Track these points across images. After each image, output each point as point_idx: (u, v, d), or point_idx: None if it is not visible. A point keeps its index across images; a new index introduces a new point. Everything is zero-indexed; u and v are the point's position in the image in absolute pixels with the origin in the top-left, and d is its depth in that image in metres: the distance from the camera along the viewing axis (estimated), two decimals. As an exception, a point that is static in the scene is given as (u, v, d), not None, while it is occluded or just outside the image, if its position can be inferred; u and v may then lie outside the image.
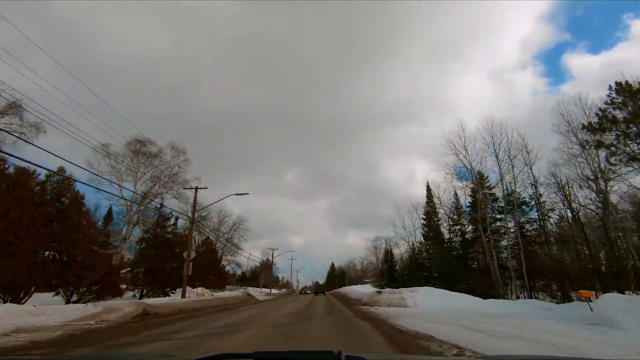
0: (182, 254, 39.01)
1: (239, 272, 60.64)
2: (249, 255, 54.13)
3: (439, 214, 37.55)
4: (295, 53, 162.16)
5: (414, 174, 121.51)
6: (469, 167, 27.39)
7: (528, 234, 26.52)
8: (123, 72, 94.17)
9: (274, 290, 65.14)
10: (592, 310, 10.29)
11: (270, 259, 63.33)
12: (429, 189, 39.68)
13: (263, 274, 64.26)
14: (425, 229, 38.21)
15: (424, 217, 38.82)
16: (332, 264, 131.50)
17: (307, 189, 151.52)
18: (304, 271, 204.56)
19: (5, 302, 12.42)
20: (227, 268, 59.78)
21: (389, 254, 51.30)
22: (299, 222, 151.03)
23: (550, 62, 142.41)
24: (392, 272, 47.15)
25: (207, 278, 38.72)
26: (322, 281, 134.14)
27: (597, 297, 14.79)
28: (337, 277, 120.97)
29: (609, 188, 21.23)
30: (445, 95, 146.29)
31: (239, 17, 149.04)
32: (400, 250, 47.96)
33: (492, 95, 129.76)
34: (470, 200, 30.42)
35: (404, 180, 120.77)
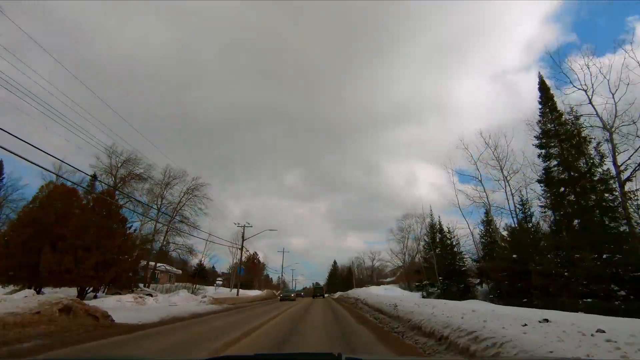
0: None
1: (195, 262, 40.26)
2: (208, 237, 33.74)
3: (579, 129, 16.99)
4: (295, 53, 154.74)
5: (414, 177, 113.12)
6: None
7: None
8: (122, 71, 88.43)
9: (251, 292, 44.79)
10: None
11: (247, 246, 42.73)
12: (544, 87, 19.24)
13: (235, 271, 43.90)
14: (551, 162, 17.39)
15: (541, 140, 18.22)
16: (335, 263, 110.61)
17: (307, 191, 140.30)
18: (300, 270, 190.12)
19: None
20: (173, 254, 39.38)
21: (436, 231, 29.85)
22: (298, 224, 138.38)
23: (554, 65, 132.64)
24: (451, 260, 25.78)
25: (75, 270, 18.13)
26: (322, 282, 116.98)
27: None
28: (341, 277, 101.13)
29: None
30: (447, 96, 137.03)
31: (239, 16, 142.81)
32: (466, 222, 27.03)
33: (494, 98, 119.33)
34: None
35: (405, 183, 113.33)
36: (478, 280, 23.13)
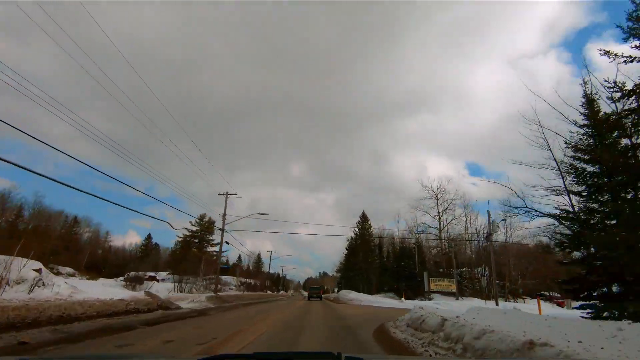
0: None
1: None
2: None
3: None
4: (303, 37, 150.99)
5: (425, 168, 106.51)
6: None
7: None
8: (124, 53, 75.99)
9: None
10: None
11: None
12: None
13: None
14: None
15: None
16: (363, 216, 52.19)
17: (314, 181, 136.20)
18: (308, 262, 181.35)
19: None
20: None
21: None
22: (305, 215, 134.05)
23: (575, 49, 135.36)
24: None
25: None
26: (330, 273, 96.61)
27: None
28: (378, 249, 49.95)
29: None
30: (462, 82, 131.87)
31: (246, 2, 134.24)
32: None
33: (512, 82, 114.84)
34: None
35: (415, 174, 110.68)
36: None
